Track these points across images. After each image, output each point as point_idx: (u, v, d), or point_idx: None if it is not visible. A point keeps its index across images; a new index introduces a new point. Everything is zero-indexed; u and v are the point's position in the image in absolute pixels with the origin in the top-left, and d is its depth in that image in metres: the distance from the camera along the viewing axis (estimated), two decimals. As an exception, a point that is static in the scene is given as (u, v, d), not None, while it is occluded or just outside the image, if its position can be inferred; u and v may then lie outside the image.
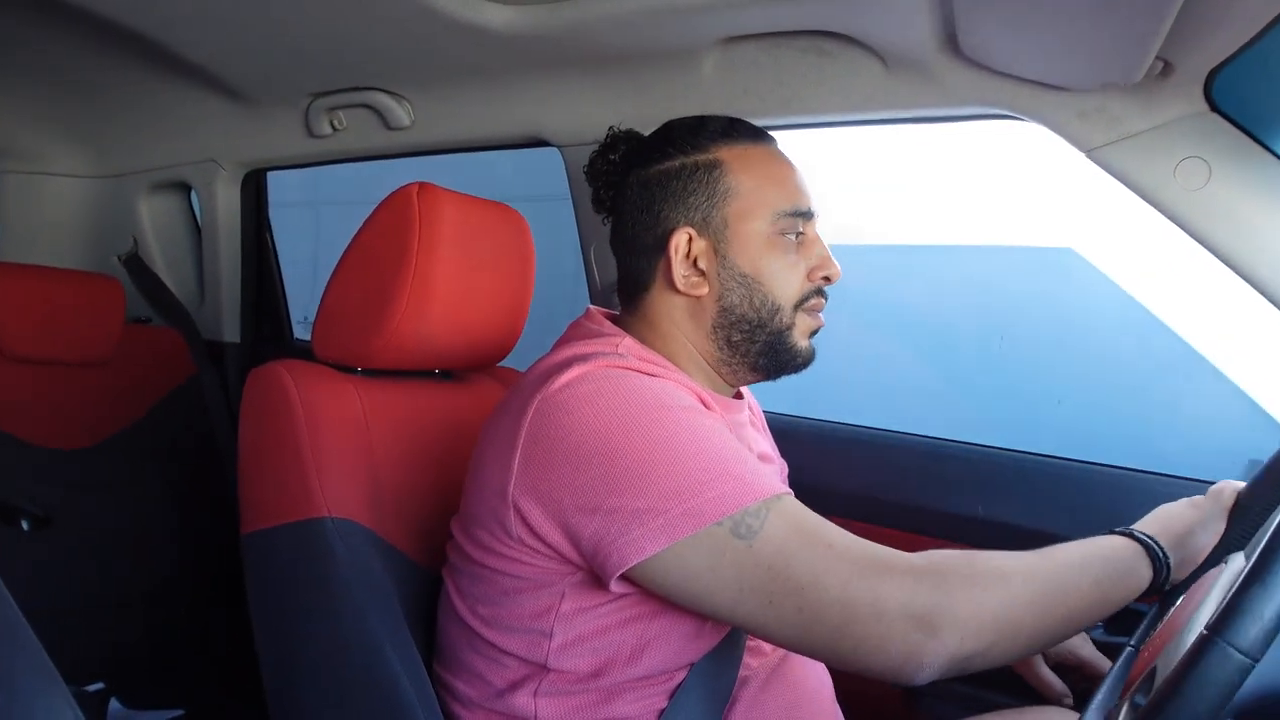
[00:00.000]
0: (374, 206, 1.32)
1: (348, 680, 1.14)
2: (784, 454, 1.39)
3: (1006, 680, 1.42)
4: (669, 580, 0.96)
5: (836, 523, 0.99)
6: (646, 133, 1.25)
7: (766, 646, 1.22)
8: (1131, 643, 1.02)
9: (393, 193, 1.30)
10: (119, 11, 1.57)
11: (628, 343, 1.11)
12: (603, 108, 1.69)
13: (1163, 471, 1.52)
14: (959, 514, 1.57)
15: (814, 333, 1.18)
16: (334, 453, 1.20)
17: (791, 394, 1.41)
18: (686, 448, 0.96)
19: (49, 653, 0.72)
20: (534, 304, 1.45)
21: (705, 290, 1.13)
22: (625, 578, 0.97)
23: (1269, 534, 0.72)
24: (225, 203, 2.28)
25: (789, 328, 1.15)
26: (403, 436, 1.30)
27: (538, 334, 1.45)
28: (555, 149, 1.80)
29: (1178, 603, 0.95)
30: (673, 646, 1.06)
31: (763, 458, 1.28)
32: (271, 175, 2.37)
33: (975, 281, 4.86)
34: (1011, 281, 4.75)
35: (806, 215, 1.15)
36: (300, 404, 1.21)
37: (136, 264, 2.39)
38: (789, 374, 1.19)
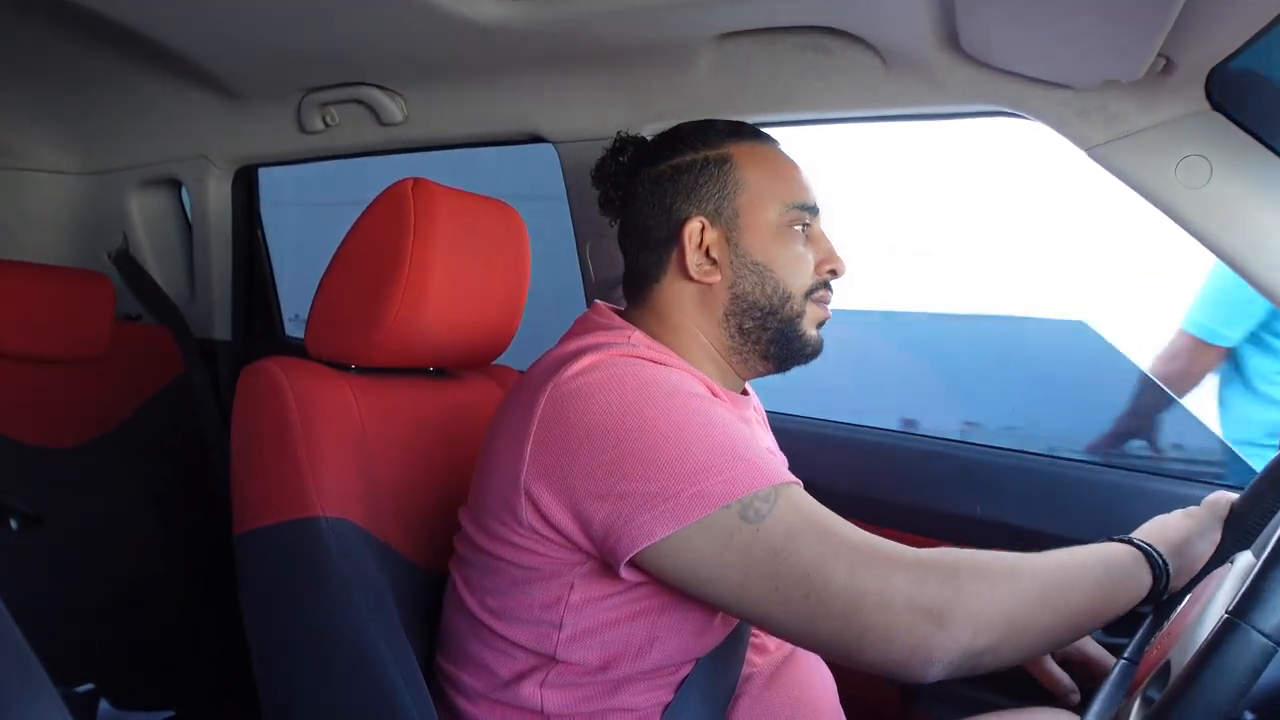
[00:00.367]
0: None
1: (342, 680, 1.13)
2: (784, 453, 1.39)
3: (1007, 681, 1.42)
4: (678, 564, 0.96)
5: None
6: (643, 128, 1.26)
7: (771, 644, 1.22)
8: (1126, 655, 1.02)
9: (387, 188, 1.29)
10: (109, 6, 1.55)
11: (638, 335, 1.13)
12: (598, 104, 1.68)
13: (1158, 471, 1.52)
14: (957, 513, 1.57)
15: (822, 324, 1.21)
16: (328, 451, 1.19)
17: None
18: (697, 433, 0.97)
19: (38, 653, 0.71)
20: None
21: (718, 278, 1.16)
22: (636, 565, 0.97)
23: None
24: (216, 199, 2.26)
25: (799, 315, 1.18)
26: (397, 435, 1.29)
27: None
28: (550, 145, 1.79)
29: (1179, 608, 0.94)
30: (680, 641, 1.06)
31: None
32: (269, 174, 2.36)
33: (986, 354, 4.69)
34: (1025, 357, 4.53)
35: (813, 210, 1.19)
36: (294, 402, 1.20)
37: (126, 261, 2.38)
38: (798, 364, 1.22)
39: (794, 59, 1.49)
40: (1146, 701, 0.76)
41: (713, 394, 1.09)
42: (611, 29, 1.47)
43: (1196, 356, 2.28)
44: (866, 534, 0.96)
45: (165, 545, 2.13)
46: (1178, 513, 1.12)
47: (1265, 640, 0.65)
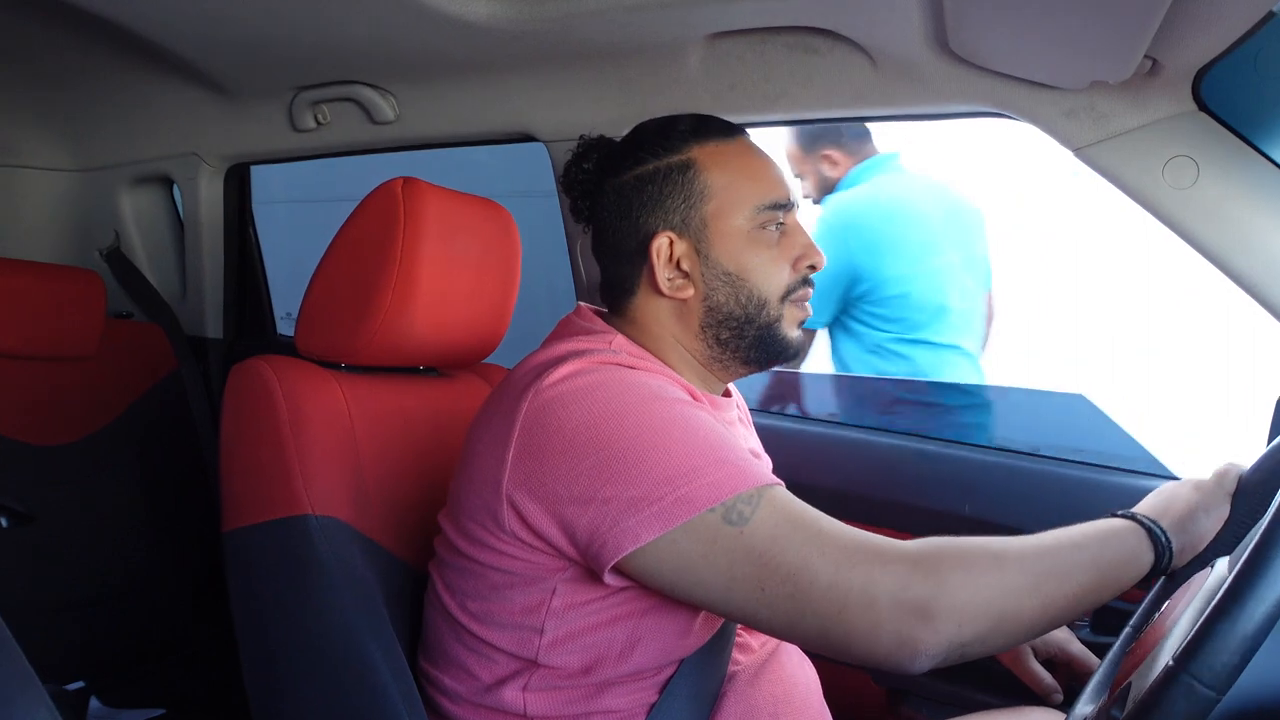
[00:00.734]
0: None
1: (330, 678, 1.13)
2: (769, 453, 1.39)
3: (993, 679, 1.42)
4: (662, 569, 0.95)
5: None
6: (629, 129, 1.25)
7: (755, 642, 1.22)
8: (1109, 656, 1.02)
9: (377, 187, 1.29)
10: (102, 4, 1.55)
11: (620, 340, 1.12)
12: (589, 103, 1.68)
13: (1152, 471, 1.53)
14: (945, 511, 1.57)
15: (803, 323, 1.18)
16: (317, 449, 1.19)
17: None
18: (679, 437, 0.97)
19: (28, 651, 0.71)
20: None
21: (691, 292, 1.13)
22: (620, 570, 0.97)
23: (1243, 560, 0.71)
24: (208, 197, 2.26)
25: (777, 320, 1.15)
26: (387, 433, 1.29)
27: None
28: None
29: (1156, 616, 0.94)
30: (663, 643, 1.06)
31: (752, 455, 1.28)
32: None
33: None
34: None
35: (786, 206, 1.15)
36: (283, 400, 1.20)
37: (118, 258, 2.37)
38: (781, 364, 1.20)
39: (784, 59, 1.49)
40: None
41: (694, 398, 1.09)
42: (602, 28, 1.47)
43: None
44: (851, 530, 0.95)
45: (156, 543, 2.13)
46: (1186, 483, 1.07)
47: (1208, 691, 0.66)
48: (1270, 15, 1.04)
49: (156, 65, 1.88)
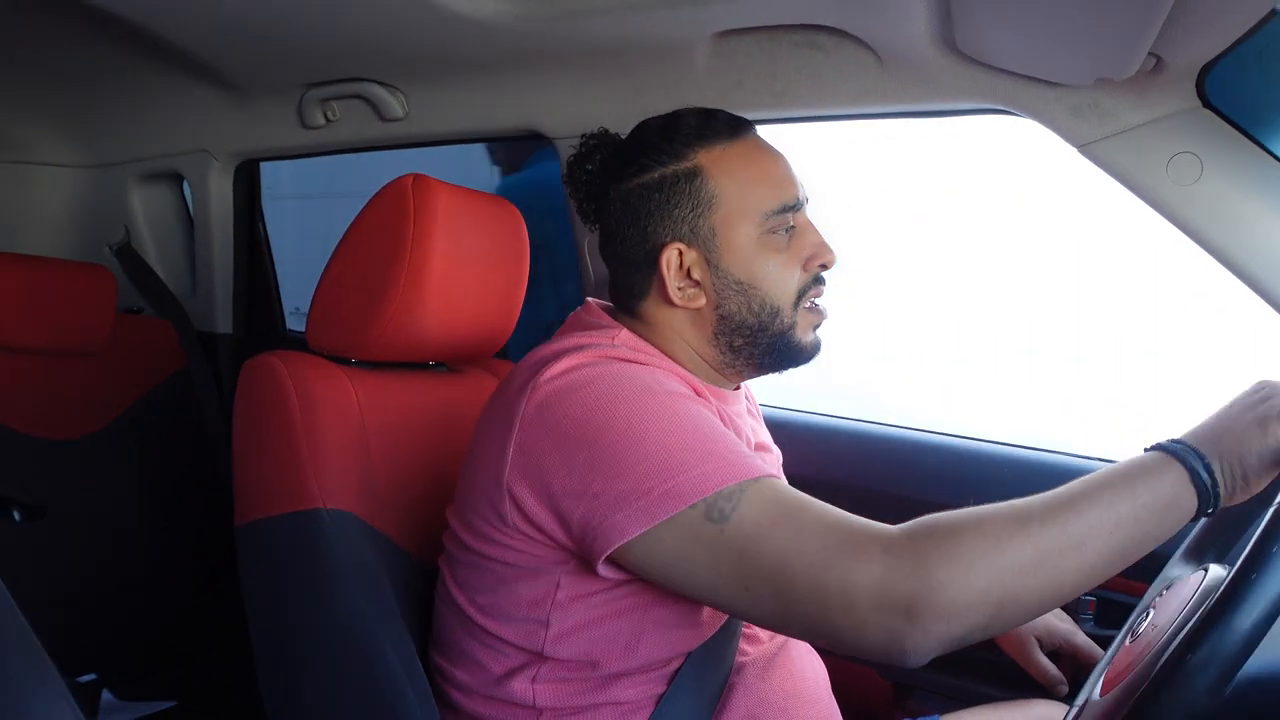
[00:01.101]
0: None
1: (342, 670, 1.14)
2: (779, 446, 1.39)
3: (999, 672, 1.43)
4: (651, 564, 0.95)
5: None
6: None
7: (764, 634, 1.23)
8: (1112, 648, 1.02)
9: (387, 184, 1.30)
10: (113, 1, 1.56)
11: (624, 335, 1.12)
12: (596, 100, 1.69)
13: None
14: (956, 505, 1.57)
15: (818, 325, 1.17)
16: (328, 444, 1.21)
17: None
18: (668, 430, 0.96)
19: (41, 644, 0.72)
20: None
21: (702, 301, 1.12)
22: (614, 562, 0.97)
23: (1240, 560, 0.72)
24: (218, 193, 2.27)
25: (790, 328, 1.14)
26: (397, 428, 1.30)
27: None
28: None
29: (1148, 619, 0.95)
30: (668, 636, 1.07)
31: (760, 447, 1.28)
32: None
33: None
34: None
35: (795, 208, 1.13)
36: (295, 395, 1.21)
37: (128, 254, 2.39)
38: (793, 366, 1.18)
39: (790, 57, 1.50)
40: None
41: (696, 393, 1.08)
42: (610, 26, 1.48)
43: None
44: (835, 522, 0.91)
45: (167, 536, 2.14)
46: (1240, 401, 0.90)
47: (1205, 692, 0.67)
48: (1274, 13, 1.04)
49: (167, 63, 1.89)
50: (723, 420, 1.10)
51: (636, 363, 1.05)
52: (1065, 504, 0.86)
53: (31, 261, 2.05)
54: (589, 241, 1.80)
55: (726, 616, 1.14)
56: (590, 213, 1.21)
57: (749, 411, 1.29)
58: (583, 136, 1.21)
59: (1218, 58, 1.20)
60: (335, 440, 1.21)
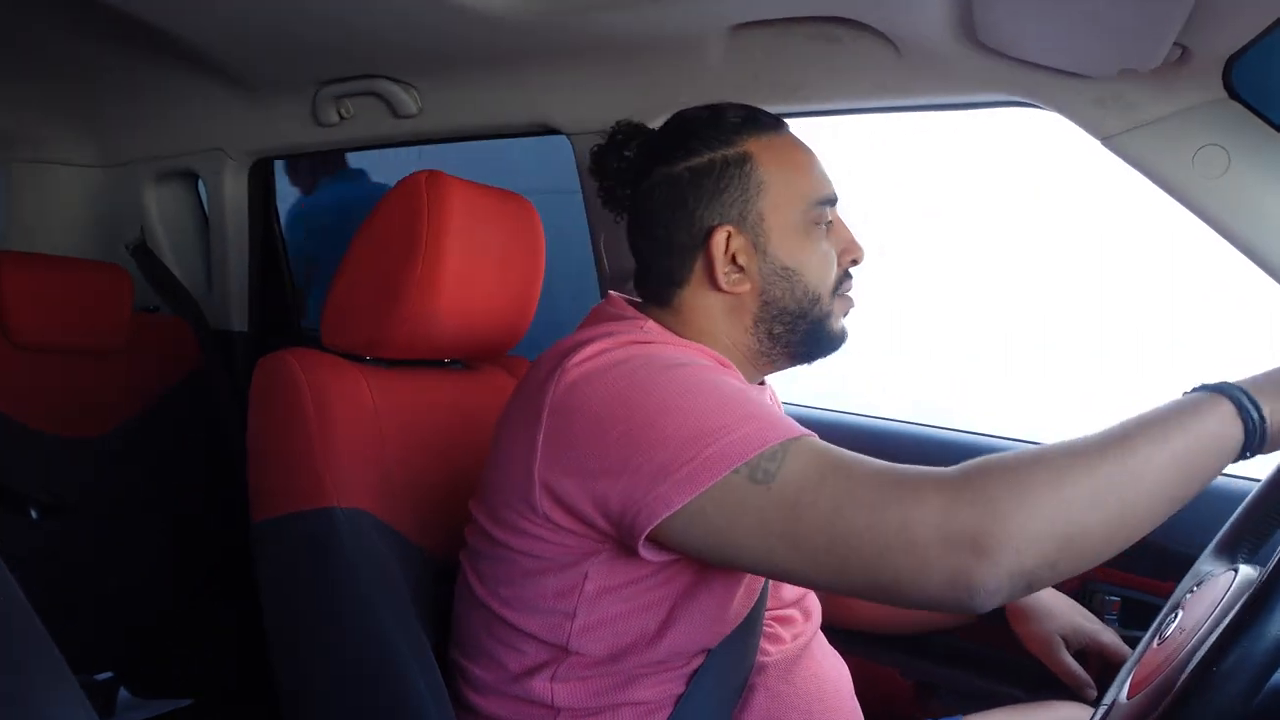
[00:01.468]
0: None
1: (356, 669, 1.14)
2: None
3: (1024, 674, 1.42)
4: (695, 537, 0.93)
5: None
6: (653, 121, 1.24)
7: (786, 634, 1.22)
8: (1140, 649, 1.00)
9: (401, 180, 1.29)
10: (128, 1, 1.56)
11: (651, 325, 1.12)
12: (611, 95, 1.68)
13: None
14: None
15: (847, 313, 1.18)
16: (343, 442, 1.20)
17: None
18: (702, 398, 0.95)
19: (58, 642, 0.72)
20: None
21: (747, 286, 1.13)
22: (656, 540, 0.95)
23: (1273, 563, 0.71)
24: (232, 191, 2.27)
25: (828, 315, 1.15)
26: (412, 425, 1.30)
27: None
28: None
29: (1176, 619, 0.93)
30: (691, 631, 1.06)
31: None
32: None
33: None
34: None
35: (833, 201, 1.16)
36: (309, 393, 1.20)
37: (144, 253, 2.39)
38: (825, 355, 1.19)
39: (806, 49, 1.48)
40: None
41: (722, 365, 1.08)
42: (624, 20, 1.47)
43: None
44: (886, 467, 0.89)
45: (183, 534, 2.14)
46: None
47: (1235, 697, 0.66)
48: (1303, 2, 1.03)
49: (182, 62, 1.89)
50: None
51: (664, 344, 1.06)
52: (1118, 440, 0.85)
53: (49, 261, 2.06)
54: (605, 237, 1.79)
55: (749, 611, 1.13)
56: (624, 199, 1.21)
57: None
58: (617, 123, 1.22)
59: (1245, 48, 1.18)
60: (349, 438, 1.21)
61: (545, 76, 1.71)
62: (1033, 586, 0.83)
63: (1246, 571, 0.91)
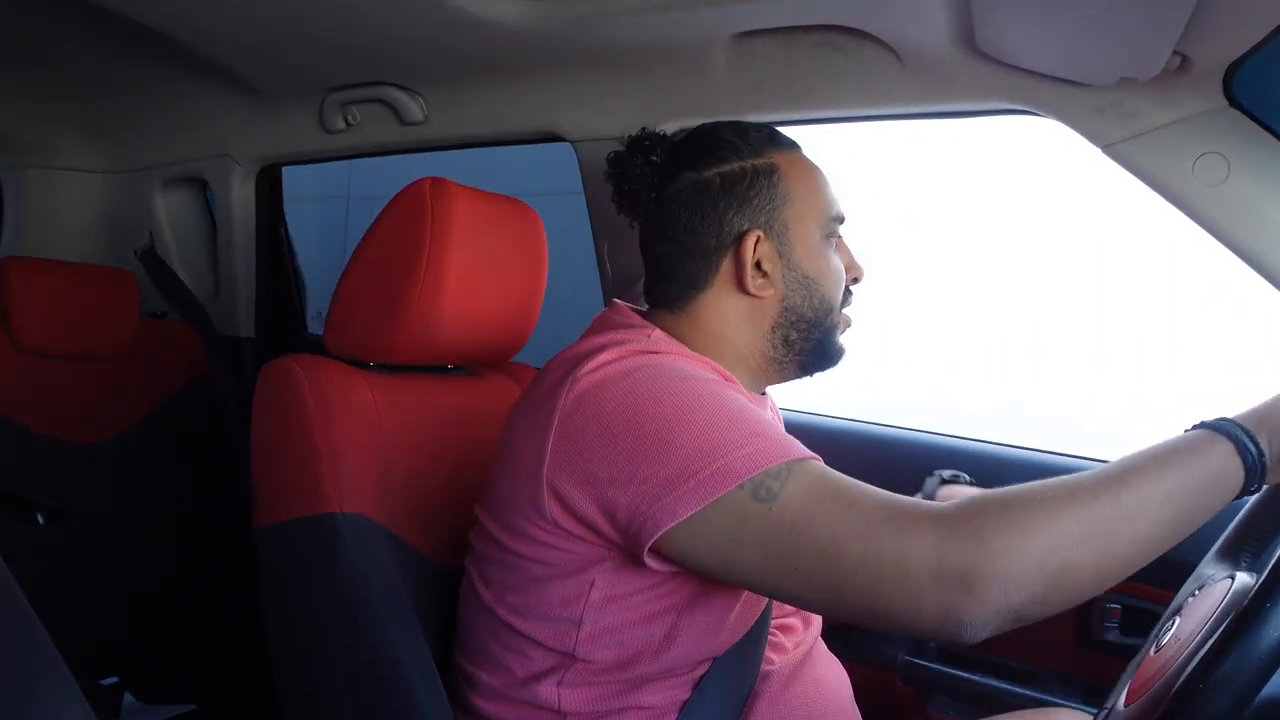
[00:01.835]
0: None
1: (358, 673, 1.14)
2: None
3: (1023, 678, 1.42)
4: (697, 549, 0.94)
5: None
6: (659, 128, 1.25)
7: (789, 643, 1.22)
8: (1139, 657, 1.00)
9: (405, 188, 1.30)
10: (135, 8, 1.57)
11: (657, 334, 1.13)
12: (616, 103, 1.68)
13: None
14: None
15: (846, 331, 1.22)
16: (346, 447, 1.20)
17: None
18: (710, 414, 0.96)
19: (62, 647, 0.72)
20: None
21: (771, 291, 1.16)
22: (659, 552, 0.96)
23: (1267, 571, 0.71)
24: (240, 198, 2.28)
25: (836, 325, 1.20)
26: (415, 431, 1.30)
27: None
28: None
29: (1173, 627, 0.93)
30: (697, 639, 1.06)
31: None
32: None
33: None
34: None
35: (843, 220, 1.21)
36: (312, 398, 1.21)
37: (152, 259, 2.40)
38: (826, 369, 1.23)
39: (810, 58, 1.49)
40: None
41: (724, 379, 1.09)
42: (629, 28, 1.48)
43: None
44: (886, 498, 0.91)
45: (188, 539, 2.15)
46: None
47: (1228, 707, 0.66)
48: (1303, 10, 1.03)
49: (190, 69, 1.91)
50: None
51: (672, 354, 1.07)
52: (1115, 478, 0.86)
53: (57, 267, 2.08)
54: (608, 244, 1.79)
55: (754, 620, 1.13)
56: (647, 202, 1.22)
57: (773, 418, 1.29)
58: (642, 129, 1.25)
59: (1244, 56, 1.18)
60: (352, 444, 1.21)
61: (551, 84, 1.72)
62: (1021, 620, 0.85)
63: (1244, 579, 0.91)
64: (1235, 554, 1.01)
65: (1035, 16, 1.22)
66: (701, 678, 1.10)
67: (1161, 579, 1.37)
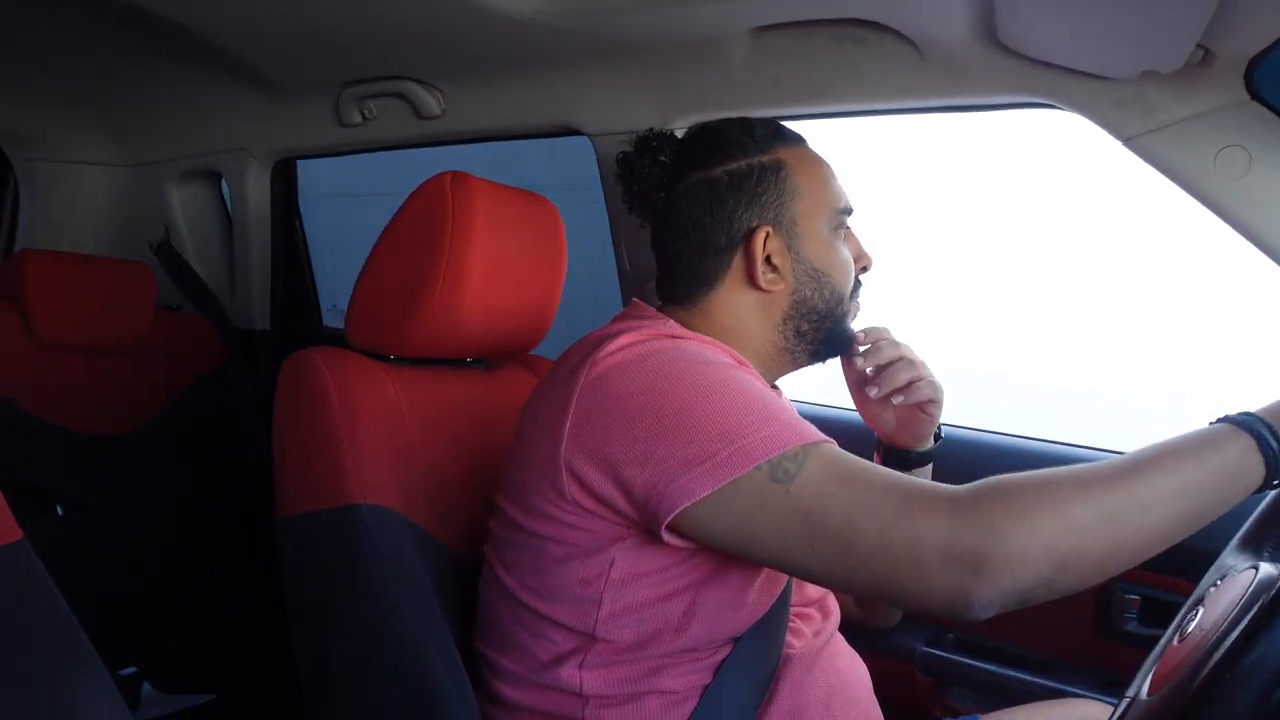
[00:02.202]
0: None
1: (380, 664, 1.15)
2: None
3: (1042, 669, 1.42)
4: (715, 528, 0.97)
5: None
6: (679, 121, 1.26)
7: (808, 629, 1.23)
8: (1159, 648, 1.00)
9: (425, 182, 1.30)
10: (152, 2, 1.57)
11: (674, 323, 1.16)
12: (634, 97, 1.68)
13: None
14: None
15: (855, 317, 1.25)
16: (368, 440, 1.21)
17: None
18: (730, 397, 0.99)
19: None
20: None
21: (782, 286, 1.18)
22: (677, 530, 0.98)
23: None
24: (256, 191, 2.29)
25: (846, 315, 1.23)
26: (436, 424, 1.31)
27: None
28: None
29: (1197, 616, 0.93)
30: (717, 617, 1.08)
31: None
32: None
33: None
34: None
35: (851, 212, 1.23)
36: (334, 391, 1.21)
37: (168, 252, 2.41)
38: (836, 355, 1.27)
39: (829, 51, 1.48)
40: None
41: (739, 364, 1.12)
42: (647, 23, 1.48)
43: None
44: (901, 482, 0.94)
45: (206, 530, 2.16)
46: None
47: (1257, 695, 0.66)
48: (1327, 4, 1.03)
49: (207, 63, 1.91)
50: None
51: (689, 339, 1.10)
52: (1130, 468, 0.88)
53: (73, 259, 2.09)
54: (627, 239, 1.79)
55: (775, 598, 1.14)
56: (656, 202, 1.24)
57: None
58: (649, 130, 1.27)
59: (1267, 49, 1.17)
60: (374, 436, 1.22)
61: (568, 78, 1.72)
62: (1027, 602, 0.87)
63: (1268, 570, 0.90)
64: (1258, 545, 1.00)
65: (1058, 10, 1.21)
66: (722, 662, 1.11)
67: (1181, 569, 1.38)
